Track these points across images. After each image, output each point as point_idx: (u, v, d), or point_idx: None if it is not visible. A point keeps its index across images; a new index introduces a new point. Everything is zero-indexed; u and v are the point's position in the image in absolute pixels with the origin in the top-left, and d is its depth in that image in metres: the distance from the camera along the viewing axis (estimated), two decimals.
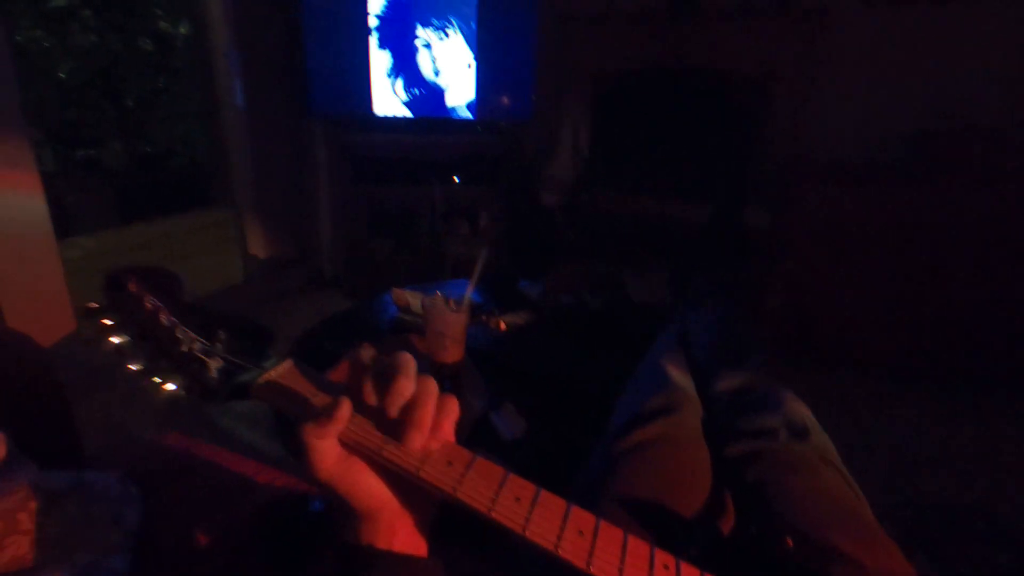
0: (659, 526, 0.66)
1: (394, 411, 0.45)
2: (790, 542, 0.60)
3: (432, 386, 0.46)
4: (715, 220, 2.29)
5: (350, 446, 0.46)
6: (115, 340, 0.53)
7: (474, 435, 1.04)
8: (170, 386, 0.52)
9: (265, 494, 0.84)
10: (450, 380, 1.13)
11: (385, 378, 0.45)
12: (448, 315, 1.11)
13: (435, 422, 0.46)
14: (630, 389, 0.97)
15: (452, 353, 1.13)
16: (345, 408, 0.44)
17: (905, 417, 2.04)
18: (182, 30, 4.66)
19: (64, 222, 3.73)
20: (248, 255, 2.75)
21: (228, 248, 3.04)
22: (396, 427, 0.45)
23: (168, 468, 0.88)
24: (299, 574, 0.72)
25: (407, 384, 0.44)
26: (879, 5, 2.57)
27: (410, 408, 0.44)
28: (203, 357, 0.53)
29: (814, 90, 2.70)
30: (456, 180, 2.92)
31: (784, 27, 2.66)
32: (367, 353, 0.47)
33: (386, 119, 2.77)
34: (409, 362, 0.46)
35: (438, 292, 1.26)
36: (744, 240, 2.34)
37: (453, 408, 0.47)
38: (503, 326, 1.44)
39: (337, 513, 0.48)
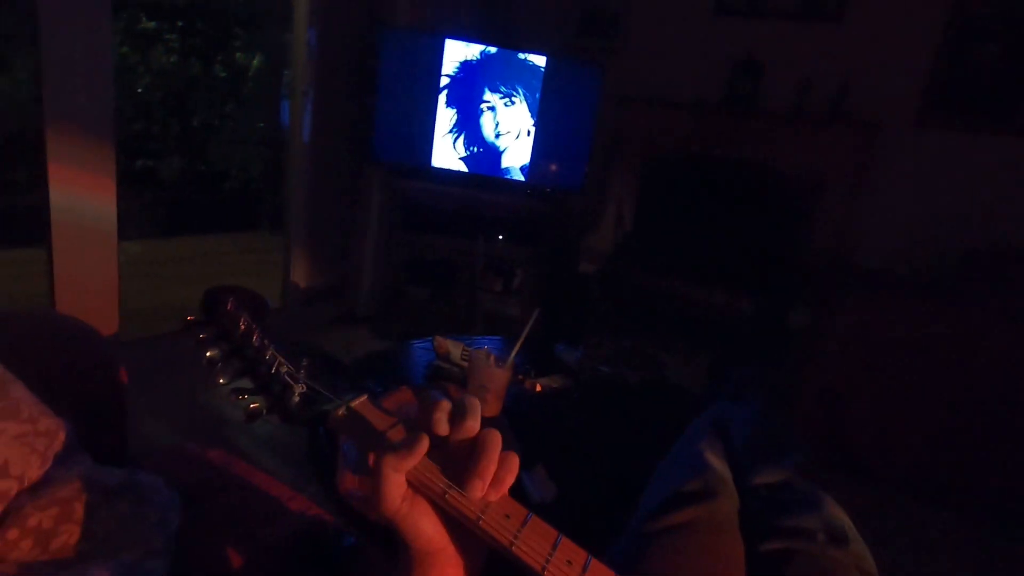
0: None
1: (455, 444, 0.46)
2: None
3: (497, 437, 0.47)
4: (761, 316, 2.29)
5: (416, 486, 0.48)
6: (210, 354, 0.56)
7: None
8: (253, 404, 0.54)
9: (298, 521, 0.85)
10: None
11: (457, 416, 0.47)
12: (493, 370, 1.13)
13: (497, 476, 0.46)
14: (664, 470, 0.96)
15: (491, 408, 1.15)
16: (424, 443, 0.46)
17: (926, 542, 1.96)
18: (255, 63, 4.95)
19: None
20: (289, 282, 2.81)
21: (269, 272, 3.12)
22: (460, 475, 0.46)
23: (207, 481, 0.89)
24: None
25: (474, 424, 0.46)
26: (933, 126, 2.63)
27: (475, 456, 0.45)
28: (289, 381, 0.56)
29: (863, 199, 2.74)
30: (500, 238, 2.99)
31: (837, 134, 2.73)
32: (436, 395, 0.49)
33: (442, 171, 2.87)
34: (478, 406, 0.47)
35: (486, 347, 1.28)
36: (788, 339, 2.33)
37: (515, 465, 0.48)
38: (539, 388, 1.46)
39: (388, 553, 0.50)
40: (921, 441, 2.18)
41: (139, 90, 4.39)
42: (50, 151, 1.68)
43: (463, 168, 2.88)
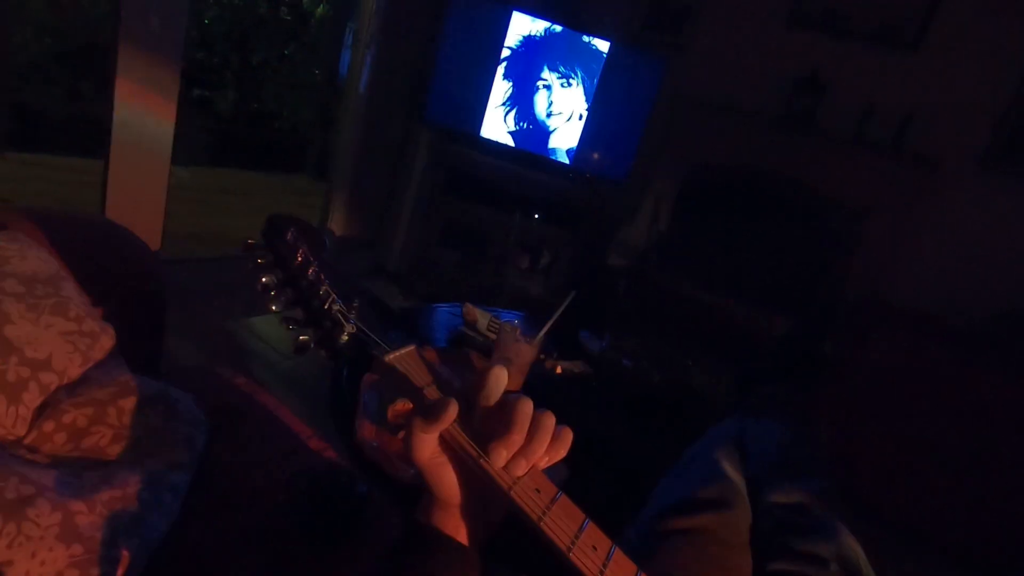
0: None
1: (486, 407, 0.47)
2: None
3: (547, 421, 0.47)
4: (794, 338, 2.26)
5: (450, 446, 0.48)
6: (265, 279, 0.57)
7: None
8: (303, 336, 0.55)
9: (315, 460, 0.86)
10: None
11: (506, 422, 0.46)
12: (521, 345, 1.13)
13: (549, 453, 0.47)
14: (679, 471, 0.96)
15: (513, 382, 1.14)
16: (452, 411, 0.46)
17: None
18: (319, 10, 4.96)
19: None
20: (326, 228, 2.84)
21: (308, 216, 3.15)
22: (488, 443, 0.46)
23: (234, 405, 0.91)
24: (334, 549, 0.74)
25: (518, 438, 0.45)
26: (995, 170, 2.54)
27: (504, 425, 0.46)
28: (340, 319, 0.56)
29: (911, 236, 2.67)
30: (536, 217, 2.98)
31: (894, 166, 2.65)
32: (497, 379, 0.49)
33: (489, 142, 2.86)
34: (526, 417, 0.46)
35: (516, 320, 1.28)
36: (819, 365, 2.29)
37: (568, 440, 0.48)
38: (559, 370, 1.46)
39: (418, 493, 0.51)
40: (930, 490, 2.14)
41: (206, 21, 4.42)
42: (120, 67, 1.69)
43: (510, 142, 2.87)
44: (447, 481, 0.49)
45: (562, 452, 0.48)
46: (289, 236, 0.60)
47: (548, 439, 0.47)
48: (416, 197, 3.00)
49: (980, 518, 2.09)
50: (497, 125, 2.84)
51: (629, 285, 3.23)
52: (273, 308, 0.57)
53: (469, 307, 1.54)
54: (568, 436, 0.49)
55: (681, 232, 3.24)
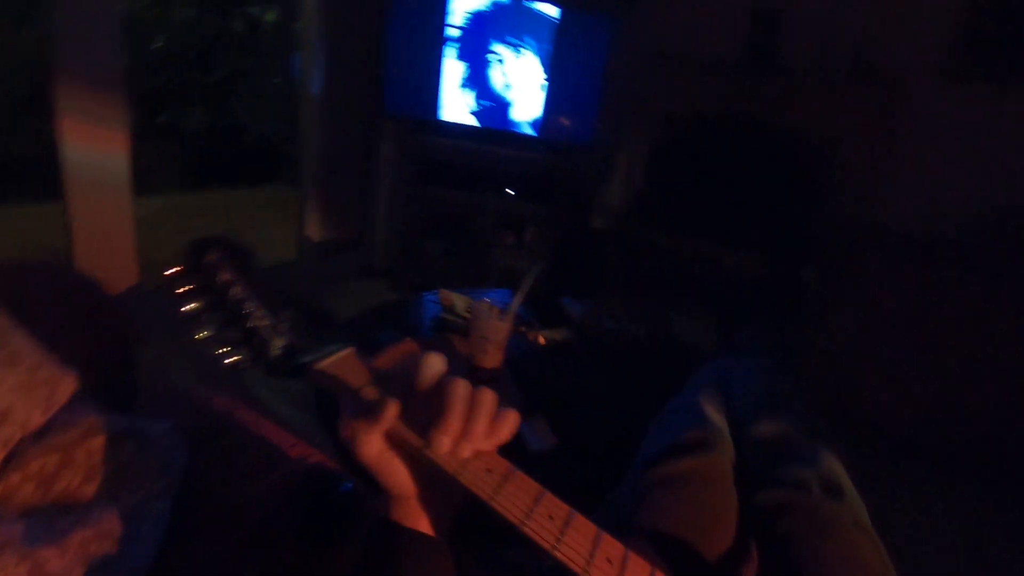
0: (682, 564, 0.66)
1: (439, 446, 0.46)
2: None
3: (488, 400, 0.47)
4: (770, 275, 2.25)
5: (395, 441, 0.49)
6: (189, 306, 0.57)
7: (507, 447, 1.06)
8: (235, 357, 0.56)
9: (295, 467, 0.88)
10: (486, 384, 1.16)
11: (440, 408, 0.46)
12: (494, 322, 1.14)
13: (491, 434, 0.47)
14: (662, 421, 0.97)
15: (492, 359, 1.16)
16: (392, 411, 0.46)
17: (938, 506, 1.96)
18: (269, 17, 4.89)
19: (136, 182, 3.94)
20: (304, 235, 2.84)
21: (286, 225, 3.14)
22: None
23: (213, 425, 0.92)
24: (325, 550, 0.76)
25: (455, 422, 0.45)
26: (956, 78, 2.50)
27: (440, 411, 0.46)
28: (269, 333, 0.57)
29: (883, 158, 2.64)
30: (511, 192, 2.97)
31: (859, 92, 2.61)
32: (432, 365, 0.49)
33: (452, 125, 2.84)
34: (463, 400, 0.46)
35: (487, 298, 1.29)
36: (798, 298, 2.29)
37: (512, 421, 0.49)
38: (542, 340, 1.47)
39: (373, 490, 0.52)
40: (928, 404, 2.15)
41: (159, 45, 4.37)
42: (61, 106, 1.69)
43: (474, 122, 2.84)
44: (398, 476, 0.50)
45: (505, 432, 0.48)
46: (211, 258, 0.60)
47: (488, 418, 0.47)
48: (390, 191, 2.99)
49: (977, 426, 2.11)
50: (457, 106, 2.82)
51: (614, 246, 3.22)
52: (202, 335, 0.57)
53: (444, 292, 1.55)
54: (511, 416, 0.49)
55: (658, 186, 3.21)
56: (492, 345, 1.15)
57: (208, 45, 4.65)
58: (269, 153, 4.88)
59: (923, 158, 2.60)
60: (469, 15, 2.68)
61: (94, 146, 1.76)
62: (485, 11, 2.68)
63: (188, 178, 4.56)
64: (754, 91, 2.79)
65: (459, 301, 1.51)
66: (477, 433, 0.46)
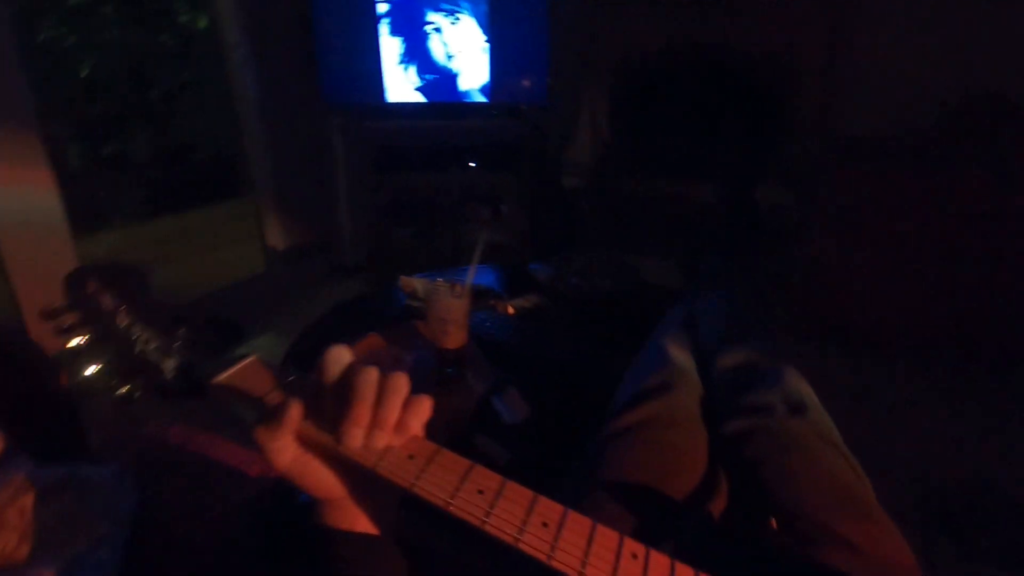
0: (647, 511, 0.64)
1: (350, 438, 0.43)
2: (774, 523, 0.58)
3: (398, 386, 0.45)
4: (727, 203, 2.22)
5: (307, 443, 0.46)
6: (75, 342, 0.53)
7: (477, 419, 1.03)
8: (123, 387, 0.51)
9: (258, 485, 0.84)
10: (454, 365, 1.12)
11: (345, 399, 0.43)
12: (449, 300, 1.10)
13: (403, 422, 0.45)
14: (631, 370, 0.95)
15: (454, 339, 1.12)
16: (295, 411, 0.44)
17: (929, 401, 1.96)
18: (200, 24, 4.72)
19: (91, 217, 3.83)
20: (267, 245, 2.78)
21: (252, 239, 3.07)
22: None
23: (166, 460, 0.89)
24: (285, 564, 0.72)
25: (362, 410, 0.43)
26: None
27: (345, 402, 0.43)
28: (159, 356, 0.52)
29: (841, 65, 2.57)
30: (472, 165, 2.90)
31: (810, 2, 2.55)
32: (335, 358, 0.46)
33: (400, 106, 2.75)
34: (369, 385, 0.43)
35: (439, 278, 1.24)
36: (757, 221, 2.26)
37: (424, 409, 0.46)
38: (511, 310, 1.43)
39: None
40: (911, 304, 2.15)
41: (85, 72, 4.22)
42: None
43: (421, 98, 2.76)
44: (320, 479, 0.47)
45: (418, 417, 0.46)
46: (91, 286, 0.56)
47: (398, 404, 0.44)
48: (348, 185, 2.91)
49: (958, 320, 2.11)
50: (402, 86, 2.73)
51: (589, 202, 3.17)
52: (89, 371, 0.53)
53: (404, 279, 1.50)
54: (424, 401, 0.46)
55: (622, 132, 3.15)
56: (452, 325, 1.11)
57: (140, 65, 4.49)
58: (222, 167, 4.76)
59: (879, 59, 2.54)
60: None
61: (16, 188, 1.68)
62: None
63: (146, 206, 4.45)
64: (704, 20, 2.71)
65: (420, 285, 1.46)
66: (388, 420, 0.44)
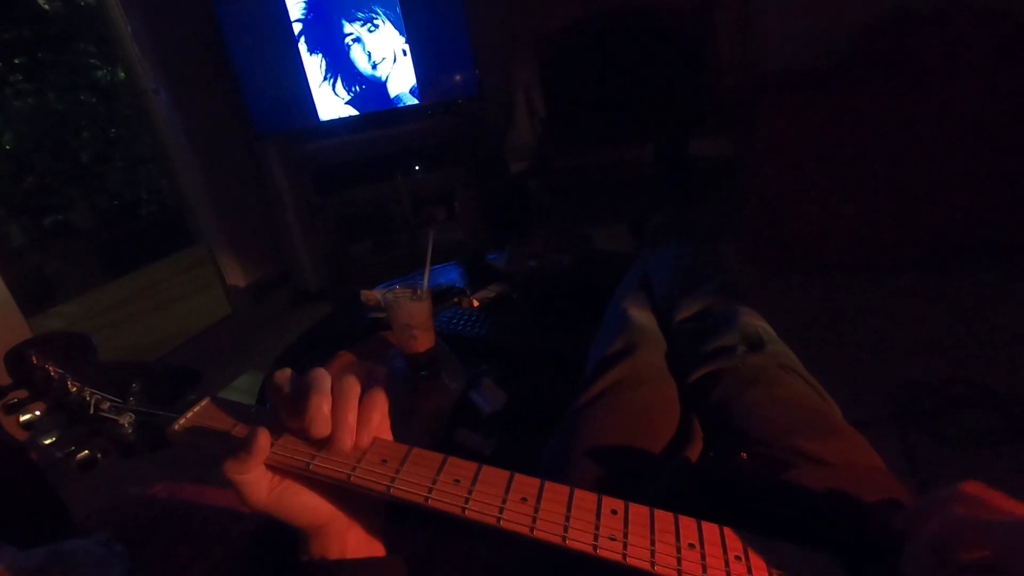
0: (626, 469, 0.65)
1: (317, 430, 0.44)
2: (744, 456, 0.60)
3: (350, 386, 0.45)
4: (660, 159, 2.24)
5: (279, 469, 0.46)
6: (26, 417, 0.52)
7: (457, 416, 1.03)
8: (83, 452, 0.51)
9: (250, 524, 0.84)
10: (426, 368, 1.12)
11: (301, 398, 0.44)
12: (408, 305, 1.10)
13: (362, 418, 0.45)
14: (596, 340, 0.96)
15: (421, 342, 1.12)
16: (262, 438, 0.43)
17: (888, 308, 2.05)
18: (121, 75, 4.59)
19: (46, 293, 3.73)
20: (228, 287, 2.74)
21: (212, 284, 3.03)
22: (324, 438, 0.44)
23: (154, 519, 0.88)
24: None
25: (319, 400, 0.44)
26: None
27: (333, 412, 0.44)
28: (114, 415, 0.52)
29: (752, 4, 2.61)
30: (417, 168, 2.89)
31: None
32: (281, 376, 0.47)
33: (333, 123, 2.73)
34: (320, 377, 0.45)
35: (396, 285, 1.24)
36: (691, 171, 2.30)
37: (378, 401, 0.47)
38: (476, 303, 1.43)
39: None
40: (860, 218, 2.21)
41: (7, 147, 4.09)
42: None
43: (353, 111, 2.74)
44: (300, 507, 0.47)
45: (376, 409, 0.46)
46: (34, 360, 0.55)
47: (354, 398, 0.45)
48: (296, 211, 2.89)
49: (907, 227, 2.17)
50: (331, 102, 2.71)
51: (538, 183, 3.18)
52: (48, 442, 0.52)
53: (364, 293, 1.50)
54: (377, 394, 0.47)
55: (559, 108, 3.16)
56: (417, 329, 1.11)
57: (65, 127, 4.37)
58: (169, 219, 4.66)
59: None
60: (306, 4, 2.54)
61: None
62: None
63: (100, 271, 4.35)
64: None
65: (380, 296, 1.46)
66: (346, 418, 0.44)
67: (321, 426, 0.44)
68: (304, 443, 0.45)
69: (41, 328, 1.88)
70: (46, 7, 4.15)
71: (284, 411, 0.45)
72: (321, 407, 0.43)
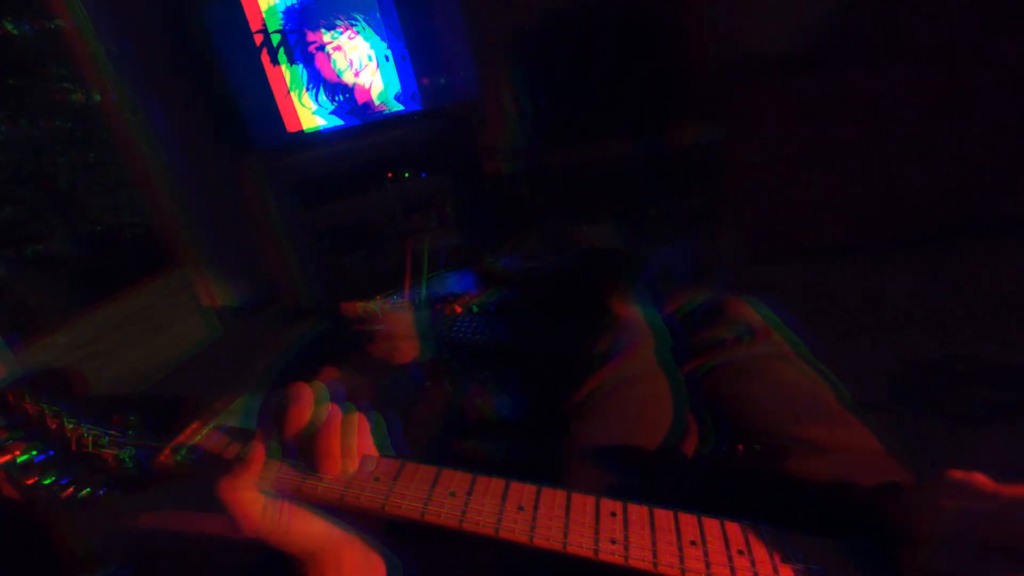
0: (623, 467, 0.65)
1: (291, 436, 0.45)
2: (740, 447, 0.60)
3: (329, 411, 0.46)
4: (646, 151, 2.24)
5: (272, 492, 0.46)
6: (23, 459, 0.50)
7: (457, 424, 1.02)
8: (83, 492, 0.49)
9: (246, 558, 0.82)
10: (422, 377, 1.10)
11: (282, 413, 0.45)
12: (390, 316, 1.08)
13: (344, 445, 0.45)
14: (589, 339, 0.96)
15: (406, 351, 1.10)
16: (256, 455, 0.44)
17: (881, 287, 2.04)
18: (96, 97, 4.53)
19: (31, 325, 3.66)
20: (221, 307, 2.70)
21: (203, 306, 2.99)
22: (311, 462, 0.45)
23: (156, 549, 0.86)
24: None
25: (298, 411, 0.45)
26: None
27: (314, 439, 0.45)
28: (113, 449, 0.50)
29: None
30: (406, 175, 2.86)
31: None
32: (269, 402, 0.47)
33: (317, 134, 2.70)
34: (301, 392, 0.46)
35: (376, 296, 1.23)
36: (677, 162, 2.28)
37: (358, 426, 0.47)
38: (474, 310, 1.42)
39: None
40: (851, 201, 2.21)
41: None
42: None
43: (337, 121, 2.71)
44: (297, 531, 0.46)
45: (355, 438, 0.46)
46: (24, 401, 0.53)
47: (335, 427, 0.45)
48: (284, 227, 2.85)
49: (899, 205, 2.16)
50: (314, 113, 2.68)
51: (527, 184, 3.16)
52: (48, 480, 0.50)
53: (345, 306, 1.47)
54: (356, 420, 0.47)
55: (545, 107, 3.14)
56: (400, 340, 1.09)
57: (41, 153, 4.30)
58: (154, 243, 4.61)
59: None
60: (282, 15, 2.52)
61: None
62: (296, 5, 2.52)
63: (89, 297, 4.28)
64: None
65: (361, 309, 1.44)
66: (329, 443, 0.45)
67: (297, 434, 0.45)
68: (294, 470, 0.46)
69: (28, 361, 1.85)
70: (15, 32, 4.06)
71: (273, 435, 0.46)
72: (300, 416, 0.45)
